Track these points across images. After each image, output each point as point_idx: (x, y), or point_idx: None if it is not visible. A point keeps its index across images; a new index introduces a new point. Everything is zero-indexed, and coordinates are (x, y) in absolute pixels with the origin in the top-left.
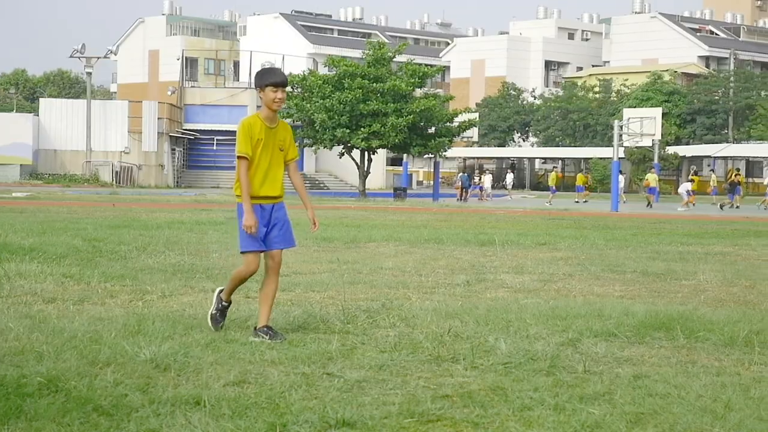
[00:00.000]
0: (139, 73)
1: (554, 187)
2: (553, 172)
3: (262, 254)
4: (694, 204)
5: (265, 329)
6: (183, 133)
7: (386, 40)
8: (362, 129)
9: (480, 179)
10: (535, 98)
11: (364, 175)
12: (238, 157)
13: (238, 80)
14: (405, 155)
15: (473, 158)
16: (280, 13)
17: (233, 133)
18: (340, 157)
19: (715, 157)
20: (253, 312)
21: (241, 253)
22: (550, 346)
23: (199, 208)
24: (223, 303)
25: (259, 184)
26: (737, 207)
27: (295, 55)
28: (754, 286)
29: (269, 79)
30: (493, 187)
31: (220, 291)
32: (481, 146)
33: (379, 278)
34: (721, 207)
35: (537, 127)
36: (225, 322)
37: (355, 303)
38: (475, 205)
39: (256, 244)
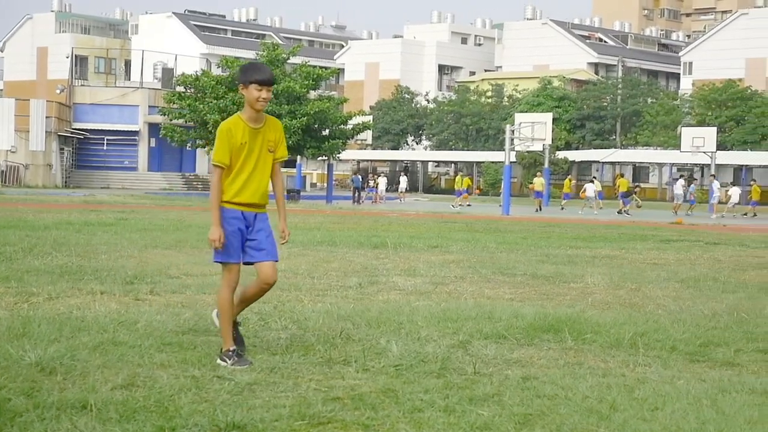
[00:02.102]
0: (27, 70)
1: (461, 191)
2: (458, 176)
3: (254, 266)
4: (601, 207)
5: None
6: (72, 133)
7: (280, 42)
8: None
9: (375, 182)
10: (428, 102)
11: None
12: (214, 165)
13: (129, 79)
14: (299, 157)
15: (367, 161)
16: (173, 13)
17: (124, 132)
18: None
19: (603, 162)
20: (146, 314)
21: (216, 262)
22: (440, 348)
23: (89, 209)
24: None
25: (239, 189)
26: (627, 213)
27: (188, 55)
28: (639, 289)
29: (254, 76)
30: (386, 189)
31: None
32: (374, 149)
33: None
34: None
35: (430, 131)
36: (245, 348)
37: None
38: (368, 208)
39: (232, 255)
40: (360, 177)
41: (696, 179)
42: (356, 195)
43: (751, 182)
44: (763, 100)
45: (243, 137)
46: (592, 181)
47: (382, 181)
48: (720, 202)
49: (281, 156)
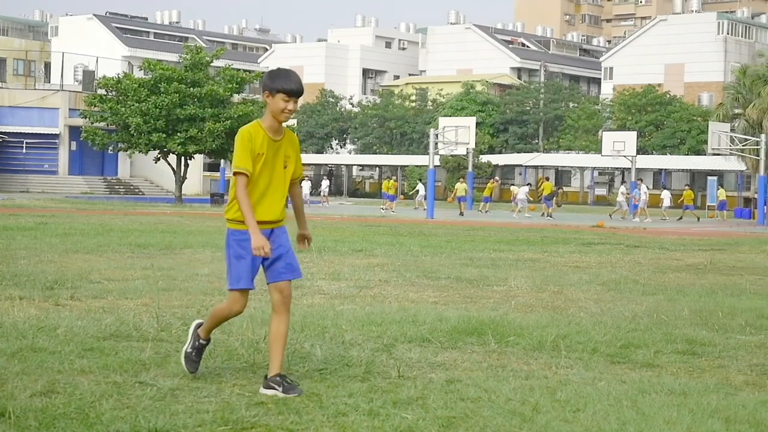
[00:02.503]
0: None
1: (391, 195)
2: (390, 180)
3: (269, 288)
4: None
5: (278, 378)
6: None
7: (204, 45)
8: (179, 134)
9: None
10: (353, 106)
11: (180, 180)
12: (236, 173)
13: (49, 82)
14: (223, 161)
15: None
16: (94, 15)
17: (44, 136)
18: (156, 162)
19: (526, 166)
20: (66, 319)
21: (229, 290)
22: (365, 352)
23: (7, 213)
24: (201, 341)
25: (254, 206)
26: (550, 216)
27: (110, 58)
28: (561, 291)
29: (283, 84)
30: (310, 193)
31: (198, 325)
32: None
33: (195, 285)
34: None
35: (355, 135)
36: (201, 365)
37: (170, 310)
38: (292, 212)
39: (248, 281)
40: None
41: (639, 182)
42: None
43: (686, 186)
44: (682, 105)
45: (261, 147)
46: (528, 185)
47: (306, 185)
48: (647, 206)
49: (299, 175)
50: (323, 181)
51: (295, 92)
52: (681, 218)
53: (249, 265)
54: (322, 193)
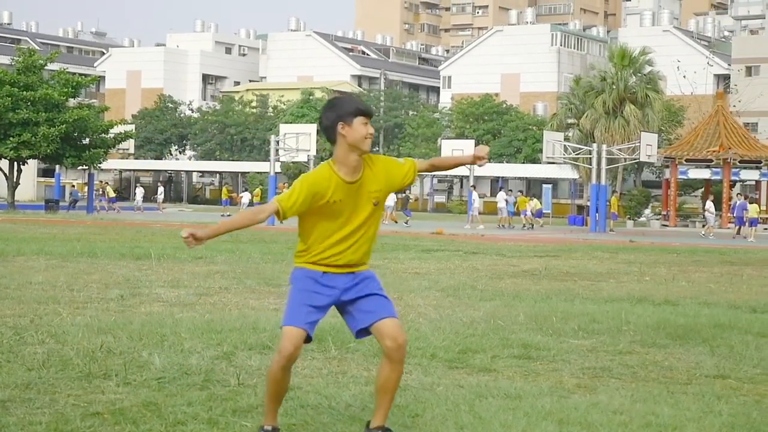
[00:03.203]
0: None
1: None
2: (228, 186)
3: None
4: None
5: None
6: None
7: (37, 48)
8: (11, 138)
9: (105, 191)
10: (192, 111)
11: (13, 186)
12: (277, 202)
13: None
14: (58, 166)
15: (130, 170)
16: None
17: None
18: None
19: None
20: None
21: (280, 328)
22: (204, 360)
23: None
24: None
25: (331, 253)
26: (406, 223)
27: None
28: (401, 297)
29: (359, 106)
30: (145, 200)
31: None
32: (137, 158)
33: (28, 293)
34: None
35: (195, 141)
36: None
37: (1, 319)
38: (131, 218)
39: (302, 318)
40: (78, 190)
41: (511, 190)
42: (72, 205)
43: (519, 193)
44: (518, 115)
45: (334, 195)
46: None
47: (139, 192)
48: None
49: (411, 174)
50: (159, 187)
51: (371, 113)
52: (529, 225)
53: (305, 300)
54: (157, 200)
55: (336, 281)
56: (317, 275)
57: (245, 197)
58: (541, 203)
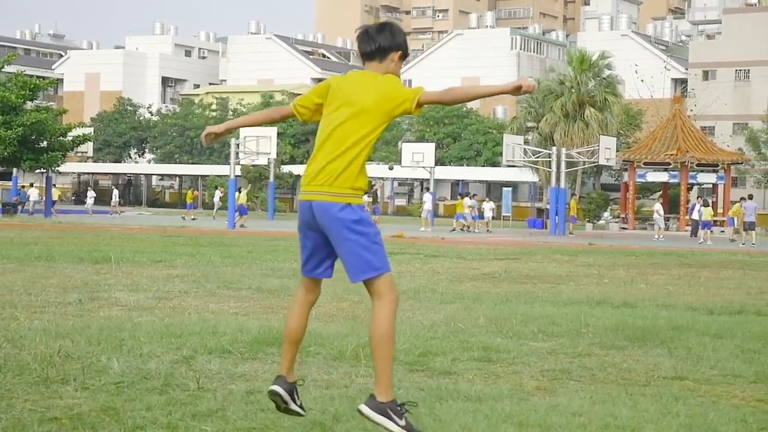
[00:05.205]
0: None
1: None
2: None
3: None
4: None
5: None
6: None
7: None
8: None
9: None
10: (152, 114)
11: None
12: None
13: None
14: (15, 169)
15: (88, 173)
16: None
17: None
18: None
19: None
20: None
21: (381, 275)
22: (163, 364)
23: None
24: (398, 404)
25: None
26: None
27: None
28: (362, 301)
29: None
30: (97, 203)
31: (380, 405)
32: (96, 161)
33: None
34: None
35: (154, 144)
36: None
37: None
38: (90, 222)
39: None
40: (25, 192)
41: (476, 194)
42: (15, 208)
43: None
44: (478, 118)
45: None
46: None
47: (90, 195)
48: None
49: None
50: (114, 190)
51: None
52: (454, 230)
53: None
54: (111, 203)
55: None
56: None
57: (217, 195)
58: (480, 205)
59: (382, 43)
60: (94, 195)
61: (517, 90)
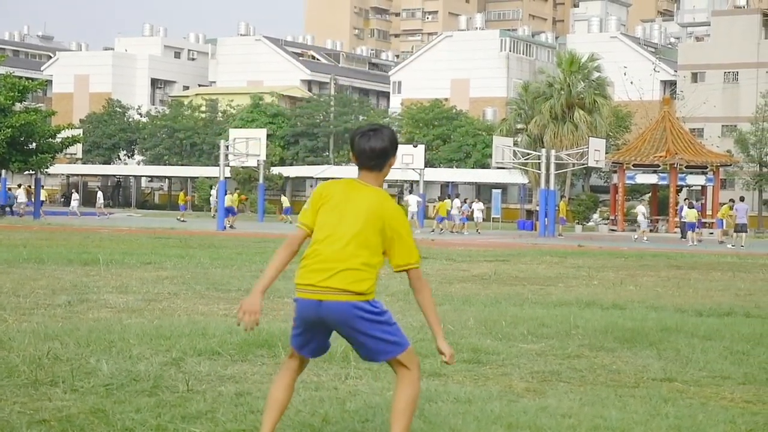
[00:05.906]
0: None
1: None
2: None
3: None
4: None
5: None
6: None
7: None
8: None
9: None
10: (141, 116)
11: None
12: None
13: None
14: (4, 171)
15: (78, 175)
16: None
17: None
18: None
19: (317, 178)
20: None
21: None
22: (153, 366)
23: None
24: None
25: None
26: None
27: None
28: None
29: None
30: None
31: None
32: (85, 163)
33: None
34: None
35: (143, 145)
36: None
37: None
38: (79, 223)
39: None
40: (13, 193)
41: (467, 199)
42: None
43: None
44: (467, 120)
45: None
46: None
47: (74, 197)
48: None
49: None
50: (98, 192)
51: None
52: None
53: None
54: (96, 205)
55: None
56: None
57: (213, 195)
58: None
59: (385, 156)
60: (78, 198)
61: (441, 354)
